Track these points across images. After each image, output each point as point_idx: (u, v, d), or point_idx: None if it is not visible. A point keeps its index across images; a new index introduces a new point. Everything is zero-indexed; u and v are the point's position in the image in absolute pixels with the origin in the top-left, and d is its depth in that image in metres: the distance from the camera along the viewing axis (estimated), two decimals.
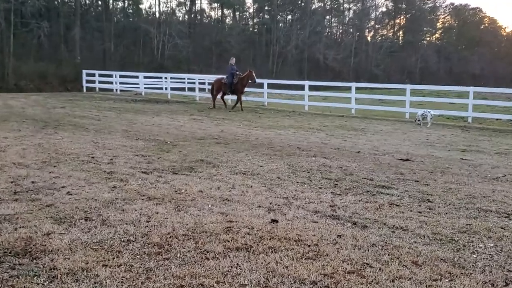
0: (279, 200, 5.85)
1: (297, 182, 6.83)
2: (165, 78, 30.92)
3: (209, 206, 5.49)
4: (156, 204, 5.51)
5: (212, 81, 22.89)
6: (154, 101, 25.24)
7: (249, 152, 9.27)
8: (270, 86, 25.53)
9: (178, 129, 13.09)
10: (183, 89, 32.19)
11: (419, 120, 16.65)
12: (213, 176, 7.03)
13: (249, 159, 8.56)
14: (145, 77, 31.49)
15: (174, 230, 4.61)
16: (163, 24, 57.14)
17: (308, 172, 7.58)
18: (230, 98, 23.15)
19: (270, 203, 5.67)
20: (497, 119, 19.03)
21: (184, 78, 33.43)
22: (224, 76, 21.54)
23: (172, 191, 6.12)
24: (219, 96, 21.98)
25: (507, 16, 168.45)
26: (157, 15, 60.31)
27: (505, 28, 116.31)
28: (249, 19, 74.58)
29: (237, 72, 21.14)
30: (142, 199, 5.68)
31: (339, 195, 6.19)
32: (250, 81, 20.84)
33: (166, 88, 30.17)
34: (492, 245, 4.45)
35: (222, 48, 62.01)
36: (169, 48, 55.81)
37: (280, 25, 71.15)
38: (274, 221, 4.98)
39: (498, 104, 22.83)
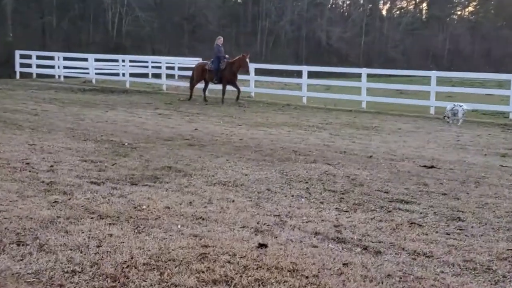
0: (269, 218, 5.85)
1: (292, 196, 6.85)
2: (123, 61, 30.86)
3: (179, 226, 5.47)
4: (110, 224, 5.47)
5: (193, 67, 22.81)
6: (108, 90, 25.16)
7: (230, 157, 9.27)
8: (259, 72, 25.60)
9: (139, 127, 13.05)
10: (146, 75, 32.14)
11: (448, 117, 16.74)
12: (184, 188, 7.02)
13: (230, 165, 8.56)
14: (96, 60, 31.36)
15: (132, 258, 4.58)
16: None
17: (307, 182, 7.60)
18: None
19: (258, 223, 5.67)
20: None
21: (147, 62, 33.34)
22: (208, 62, 21.41)
23: (130, 207, 6.08)
24: (198, 86, 22.00)
25: None
26: None
27: None
28: None
29: (226, 56, 21.00)
30: (92, 218, 5.64)
31: (346, 212, 6.21)
32: (241, 67, 20.76)
33: (123, 74, 30.11)
34: None
35: (196, 24, 62.14)
36: (128, 23, 55.72)
37: None
38: (262, 245, 4.97)
39: None
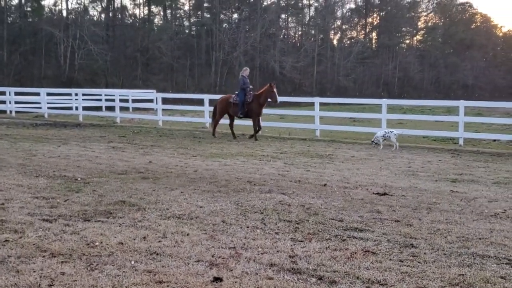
0: (224, 251, 5.82)
1: (248, 227, 6.84)
2: (76, 95, 30.53)
3: (132, 262, 5.39)
4: (62, 262, 5.36)
5: (218, 100, 21.11)
6: (61, 125, 24.77)
7: (185, 189, 9.22)
8: (213, 102, 25.63)
9: (92, 161, 12.86)
10: (99, 108, 31.85)
11: (376, 143, 17.58)
12: (138, 223, 6.93)
13: (185, 198, 8.51)
14: (48, 95, 31.00)
15: None
16: (72, 25, 56.61)
17: (262, 213, 7.61)
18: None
19: (213, 256, 5.64)
20: (494, 140, 19.89)
21: (100, 95, 33.11)
22: (233, 95, 20.17)
23: (83, 244, 5.97)
24: (226, 122, 20.67)
25: (502, 12, 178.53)
26: (64, 14, 59.81)
27: (501, 27, 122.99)
28: (185, 19, 75.20)
29: (250, 87, 19.85)
30: (43, 256, 5.52)
31: (301, 241, 6.24)
32: (269, 99, 19.39)
33: (76, 108, 29.80)
34: None
35: (149, 56, 62.13)
36: (80, 57, 55.20)
37: (224, 26, 72.24)
38: (217, 279, 4.95)
39: (496, 122, 23.95)
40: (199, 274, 5.10)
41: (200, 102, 25.51)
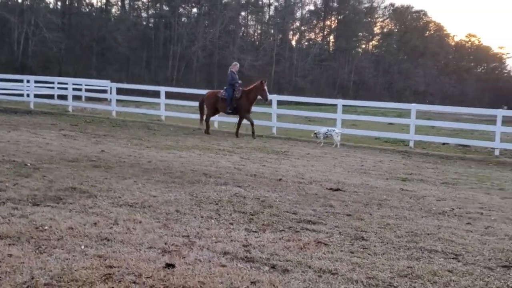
0: (177, 239, 5.78)
1: (202, 217, 6.81)
2: (27, 81, 29.73)
3: (82, 247, 5.30)
4: (9, 244, 5.24)
5: (203, 95, 20.29)
6: (11, 111, 24.10)
7: (138, 179, 9.11)
8: (169, 95, 25.45)
9: (43, 147, 12.56)
10: (51, 96, 31.17)
11: (317, 137, 18.19)
12: (89, 209, 6.81)
13: (138, 187, 8.40)
14: None
15: (33, 279, 4.40)
16: (27, 11, 55.07)
17: (217, 204, 7.59)
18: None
19: (165, 243, 5.59)
20: (443, 144, 20.40)
21: (53, 83, 32.39)
22: (221, 91, 19.46)
23: (31, 227, 5.82)
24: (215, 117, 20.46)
25: (455, 22, 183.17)
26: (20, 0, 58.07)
27: (453, 36, 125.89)
28: (143, 11, 74.27)
29: (239, 83, 19.14)
30: None
31: (255, 232, 6.24)
32: (259, 96, 18.89)
33: (28, 95, 29.00)
34: None
35: (105, 46, 61.07)
36: (34, 44, 53.81)
37: (183, 19, 71.62)
38: (169, 265, 4.90)
39: (445, 126, 24.57)
40: (151, 260, 5.04)
41: (156, 94, 25.25)
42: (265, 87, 18.80)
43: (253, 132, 18.98)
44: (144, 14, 74.03)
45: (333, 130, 18.21)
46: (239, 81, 19.20)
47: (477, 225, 7.25)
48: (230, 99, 18.88)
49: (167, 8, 70.32)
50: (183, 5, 71.54)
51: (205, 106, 19.74)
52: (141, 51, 64.12)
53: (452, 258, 5.67)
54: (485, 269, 5.34)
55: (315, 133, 18.48)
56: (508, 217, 7.94)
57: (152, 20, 72.65)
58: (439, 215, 7.79)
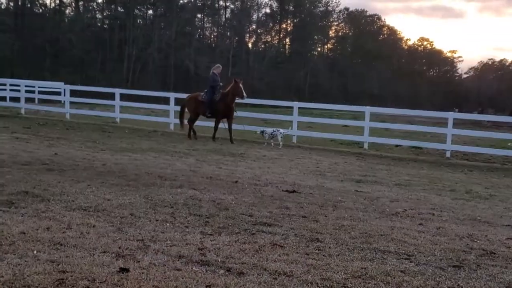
0: (131, 243, 5.71)
1: (157, 220, 6.74)
2: None
3: (35, 252, 5.19)
4: None
5: (185, 99, 19.69)
6: None
7: (92, 182, 8.96)
8: (125, 97, 25.18)
9: None
10: (3, 98, 30.36)
11: (264, 136, 18.72)
12: (41, 213, 6.67)
13: (92, 191, 8.27)
14: None
15: None
16: None
17: (172, 207, 7.53)
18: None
19: (119, 248, 5.51)
20: (396, 146, 20.76)
21: (5, 85, 31.58)
22: (201, 93, 18.80)
23: None
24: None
25: (407, 26, 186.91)
26: None
27: (406, 40, 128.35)
28: (97, 12, 73.20)
29: (220, 85, 18.48)
30: None
31: (211, 235, 6.22)
32: (236, 97, 18.28)
33: None
34: None
35: (59, 48, 59.96)
36: None
37: (138, 21, 70.95)
38: (123, 270, 4.84)
39: (398, 128, 25.04)
40: (105, 264, 4.97)
41: (111, 96, 24.90)
42: (241, 86, 18.06)
43: (231, 138, 18.39)
44: (98, 16, 73.07)
45: (278, 130, 18.75)
46: (221, 84, 18.58)
47: (429, 226, 7.40)
48: (210, 102, 18.26)
49: (122, 10, 69.58)
50: (138, 7, 70.93)
51: (187, 110, 19.18)
52: (96, 53, 63.21)
53: (405, 259, 5.77)
54: (436, 269, 5.45)
55: (262, 132, 18.91)
56: (458, 218, 8.14)
57: (107, 22, 71.73)
58: (392, 216, 7.93)
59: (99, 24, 71.49)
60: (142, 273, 4.82)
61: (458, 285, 5.01)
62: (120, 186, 8.85)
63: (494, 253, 6.14)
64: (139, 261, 5.13)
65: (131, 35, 65.39)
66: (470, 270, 5.48)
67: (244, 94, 18.18)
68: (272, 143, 18.48)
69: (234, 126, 19.13)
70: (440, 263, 5.67)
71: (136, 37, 65.39)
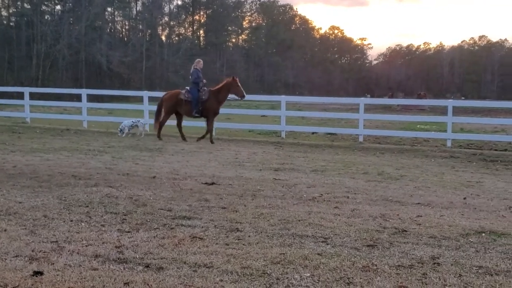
0: (45, 245, 5.52)
1: (71, 221, 6.56)
2: None
3: None
4: None
5: (163, 97, 18.09)
6: None
7: (2, 185, 8.60)
8: (34, 96, 24.30)
9: None
10: None
11: (121, 131, 18.39)
12: None
13: (2, 194, 7.94)
14: None
15: None
16: None
17: (87, 206, 7.34)
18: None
19: (33, 251, 5.33)
20: (313, 133, 21.21)
21: None
22: (183, 91, 17.35)
23: None
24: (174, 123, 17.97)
25: (319, 15, 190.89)
26: None
27: (318, 29, 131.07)
28: (3, 9, 69.98)
29: (204, 82, 17.20)
30: None
31: (128, 232, 6.12)
32: (236, 96, 17.27)
33: None
34: (308, 275, 4.87)
35: None
36: None
37: (46, 17, 68.47)
38: (37, 273, 4.69)
39: (314, 116, 25.62)
40: (18, 269, 4.78)
41: (20, 96, 23.94)
42: (239, 83, 17.13)
43: (205, 135, 17.29)
44: (4, 13, 69.92)
45: (139, 121, 18.78)
46: (204, 80, 17.27)
47: (344, 209, 7.61)
48: (196, 101, 16.89)
49: (29, 6, 66.93)
50: (45, 2, 68.42)
51: (163, 108, 17.62)
52: (2, 51, 60.44)
53: (322, 242, 5.91)
54: (351, 250, 5.62)
55: (120, 129, 18.41)
56: (372, 199, 8.42)
57: (13, 19, 68.76)
58: (309, 202, 8.09)
59: (5, 22, 68.44)
60: (57, 275, 4.68)
61: (373, 263, 5.19)
62: (32, 187, 8.53)
63: (406, 231, 6.40)
64: (53, 263, 4.97)
65: (39, 31, 63.00)
66: (383, 249, 5.69)
67: (244, 92, 17.26)
68: (122, 134, 18.16)
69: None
70: (355, 244, 5.85)
71: (44, 33, 63.03)
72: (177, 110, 17.44)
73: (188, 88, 17.26)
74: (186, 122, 18.74)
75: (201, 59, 18.32)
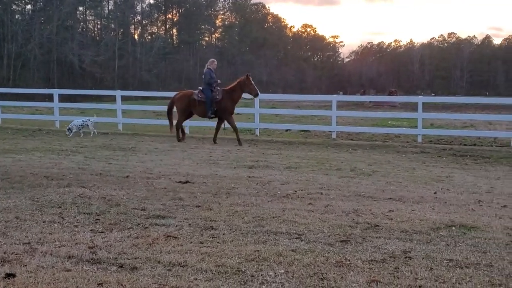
0: (17, 247, 5.44)
1: (44, 222, 6.47)
2: None
3: None
4: None
5: (174, 97, 17.51)
6: None
7: None
8: (6, 97, 23.91)
9: None
10: None
11: (70, 130, 18.23)
12: None
13: None
14: None
15: None
16: None
17: (60, 207, 7.25)
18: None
19: (5, 253, 5.25)
20: (286, 130, 21.26)
21: None
22: (196, 91, 16.84)
23: None
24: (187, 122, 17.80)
25: (291, 13, 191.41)
26: None
27: (291, 27, 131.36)
28: None
29: (218, 81, 16.72)
30: None
31: (101, 232, 6.06)
32: (247, 94, 16.78)
33: None
34: (282, 271, 4.88)
35: None
36: None
37: (16, 17, 67.41)
38: (9, 275, 4.62)
39: (288, 113, 25.69)
40: None
41: None
42: (252, 81, 16.66)
43: (238, 140, 16.45)
44: None
45: (89, 120, 18.72)
46: (218, 81, 16.80)
47: (317, 205, 7.64)
48: (210, 102, 16.38)
49: None
50: (16, 2, 67.34)
51: (175, 109, 17.11)
52: None
53: (296, 238, 5.92)
54: (325, 245, 5.65)
55: (69, 128, 18.30)
56: (345, 195, 8.47)
57: None
58: (283, 198, 8.10)
59: None
60: (30, 277, 4.61)
61: (346, 258, 5.22)
62: (4, 189, 8.40)
63: (378, 226, 6.46)
64: (26, 265, 4.90)
65: (10, 31, 62.00)
66: (356, 244, 5.72)
67: (257, 90, 16.79)
68: (70, 133, 18.07)
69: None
70: (329, 239, 5.87)
71: (15, 33, 62.06)
72: (191, 110, 16.97)
73: (200, 88, 16.80)
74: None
75: (215, 59, 17.78)
